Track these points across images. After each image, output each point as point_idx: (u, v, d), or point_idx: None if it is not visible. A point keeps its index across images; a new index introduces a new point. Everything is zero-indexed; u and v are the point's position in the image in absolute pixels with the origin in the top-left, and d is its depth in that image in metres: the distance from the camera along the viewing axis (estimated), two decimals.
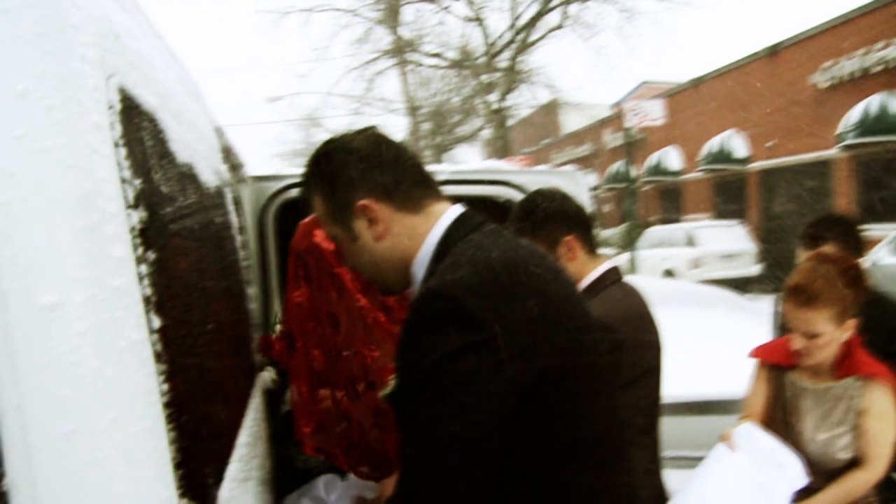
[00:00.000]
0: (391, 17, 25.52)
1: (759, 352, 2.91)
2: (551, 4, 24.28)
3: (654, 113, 18.19)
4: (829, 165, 19.76)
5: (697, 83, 25.72)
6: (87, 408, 0.85)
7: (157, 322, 1.00)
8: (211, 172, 1.92)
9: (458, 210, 1.74)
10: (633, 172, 21.13)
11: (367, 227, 1.68)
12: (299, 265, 2.57)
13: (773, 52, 21.71)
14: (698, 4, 59.51)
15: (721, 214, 24.55)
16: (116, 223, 0.93)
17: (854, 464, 2.59)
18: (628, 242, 21.57)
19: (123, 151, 1.00)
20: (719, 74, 24.60)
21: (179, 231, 1.32)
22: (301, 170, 1.76)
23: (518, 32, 24.72)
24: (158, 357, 0.98)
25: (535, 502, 1.48)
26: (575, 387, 1.50)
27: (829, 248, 3.11)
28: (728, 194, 24.75)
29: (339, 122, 28.56)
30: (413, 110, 29.65)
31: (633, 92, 36.74)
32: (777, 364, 2.79)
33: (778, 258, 20.83)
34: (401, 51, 26.37)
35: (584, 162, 36.18)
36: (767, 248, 21.56)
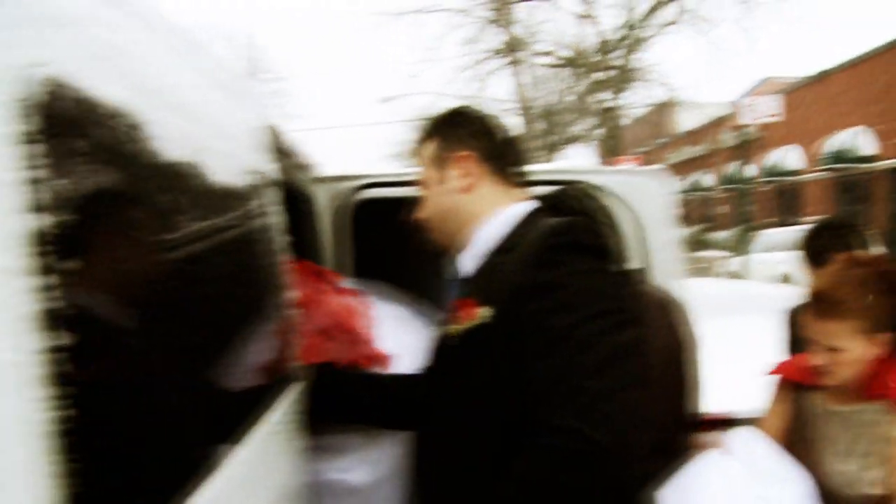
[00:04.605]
0: (503, 15, 25.36)
1: (780, 368, 2.55)
2: None
3: (769, 109, 17.48)
4: None
5: (823, 77, 24.53)
6: None
7: (54, 339, 0.89)
8: (232, 172, 1.82)
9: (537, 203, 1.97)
10: (750, 172, 20.39)
11: (459, 176, 1.94)
12: None
13: None
14: None
15: (844, 216, 23.42)
16: None
17: (883, 503, 2.20)
18: (741, 246, 20.84)
19: (25, 149, 0.89)
20: (848, 67, 23.37)
21: (140, 235, 1.22)
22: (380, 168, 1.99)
23: (632, 28, 24.16)
24: (53, 380, 0.87)
25: None
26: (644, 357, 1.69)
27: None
28: (852, 195, 23.57)
29: None
30: (525, 109, 29.34)
31: (754, 88, 35.54)
32: (798, 382, 2.43)
33: None
34: (513, 50, 26.18)
35: (700, 162, 35.26)
36: (895, 252, 20.41)
